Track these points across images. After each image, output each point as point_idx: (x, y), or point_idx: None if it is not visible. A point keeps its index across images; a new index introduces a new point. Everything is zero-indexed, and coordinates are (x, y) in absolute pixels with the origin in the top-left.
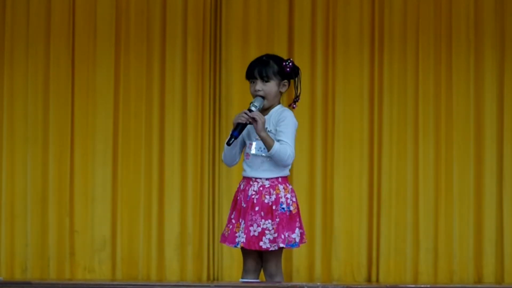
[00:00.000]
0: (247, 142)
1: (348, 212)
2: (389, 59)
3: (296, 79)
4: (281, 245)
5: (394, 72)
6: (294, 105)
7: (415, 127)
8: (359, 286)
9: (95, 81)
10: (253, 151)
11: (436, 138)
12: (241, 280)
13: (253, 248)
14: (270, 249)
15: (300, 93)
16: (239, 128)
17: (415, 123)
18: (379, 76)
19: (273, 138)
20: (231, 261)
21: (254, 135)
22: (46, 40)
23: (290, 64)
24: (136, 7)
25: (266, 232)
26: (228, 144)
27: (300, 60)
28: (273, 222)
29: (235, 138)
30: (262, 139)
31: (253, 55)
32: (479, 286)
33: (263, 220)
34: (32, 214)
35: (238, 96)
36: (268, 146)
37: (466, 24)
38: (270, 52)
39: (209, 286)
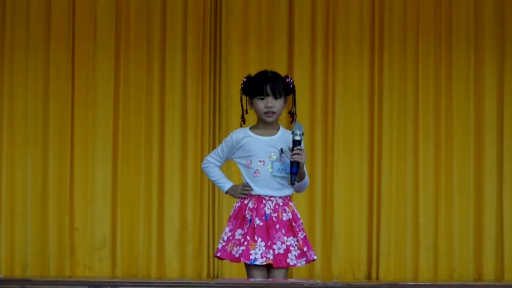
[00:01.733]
0: (254, 159)
1: (348, 210)
2: (389, 59)
3: (293, 95)
4: (315, 257)
5: (394, 72)
6: (294, 119)
7: (415, 127)
8: (359, 284)
9: (95, 81)
10: (274, 172)
11: (436, 137)
12: None
13: (280, 266)
14: (298, 265)
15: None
16: (295, 165)
17: (415, 122)
18: (379, 76)
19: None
20: None
21: (265, 152)
22: (46, 40)
23: (292, 80)
24: (136, 7)
25: (291, 248)
26: (292, 183)
27: (300, 60)
28: (296, 238)
29: (296, 174)
30: (301, 172)
31: (253, 54)
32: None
33: (285, 237)
34: (32, 212)
35: (238, 95)
36: (301, 177)
37: (466, 24)
38: (270, 53)
39: (209, 283)
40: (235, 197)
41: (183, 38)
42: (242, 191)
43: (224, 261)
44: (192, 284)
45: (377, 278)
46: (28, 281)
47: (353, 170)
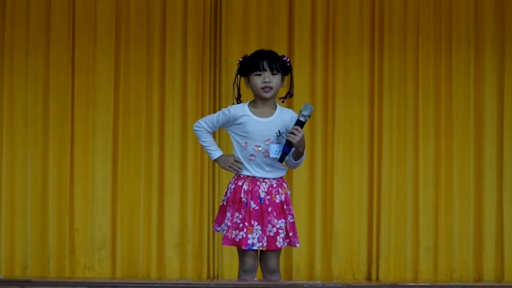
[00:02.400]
0: (250, 142)
1: (348, 211)
2: (389, 59)
3: (290, 75)
4: (297, 245)
5: (394, 72)
6: (284, 100)
7: (415, 127)
8: (359, 284)
9: (95, 81)
10: (271, 155)
11: (436, 137)
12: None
13: (269, 248)
14: (282, 247)
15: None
16: (288, 144)
17: (415, 122)
18: (379, 76)
19: (283, 136)
20: (231, 259)
21: (262, 136)
22: (46, 40)
23: (288, 59)
24: (136, 7)
25: (280, 231)
26: (281, 161)
27: (300, 60)
28: (286, 221)
29: (287, 154)
30: (300, 151)
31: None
32: (479, 284)
33: (276, 220)
34: (32, 212)
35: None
36: (299, 155)
37: (466, 24)
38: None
39: (209, 284)
40: (222, 167)
41: (183, 38)
42: (232, 166)
43: (224, 261)
44: (192, 285)
45: (377, 278)
46: (28, 282)
47: (353, 170)
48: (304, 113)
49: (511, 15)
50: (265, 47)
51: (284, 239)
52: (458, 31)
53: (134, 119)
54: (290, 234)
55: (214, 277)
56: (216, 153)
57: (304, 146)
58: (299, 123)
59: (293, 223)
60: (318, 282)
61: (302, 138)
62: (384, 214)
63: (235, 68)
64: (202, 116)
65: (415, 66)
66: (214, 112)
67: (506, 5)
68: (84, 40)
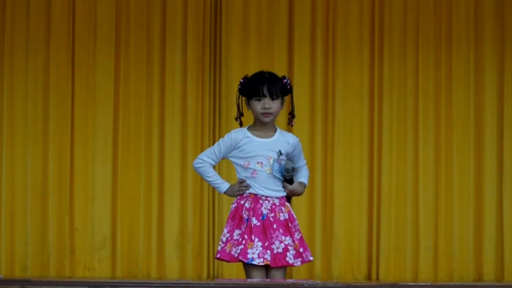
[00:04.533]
0: (252, 161)
1: (348, 210)
2: (389, 59)
3: (291, 95)
4: (311, 258)
5: (394, 72)
6: (292, 123)
7: (415, 126)
8: (359, 284)
9: (95, 80)
10: (274, 172)
11: (436, 137)
12: None
13: (280, 265)
14: (295, 264)
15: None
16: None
17: (415, 122)
18: (379, 76)
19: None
20: None
21: (263, 154)
22: (46, 40)
23: (289, 81)
24: (136, 7)
25: (289, 247)
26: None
27: (300, 60)
28: (292, 239)
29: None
30: (299, 190)
31: (253, 54)
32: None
33: (283, 237)
34: (32, 212)
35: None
36: (303, 188)
37: (466, 24)
38: (270, 52)
39: (209, 284)
40: (233, 196)
41: (183, 38)
42: (240, 188)
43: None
44: (192, 285)
45: (377, 278)
46: (28, 282)
47: (353, 170)
48: (286, 174)
49: (511, 15)
50: (265, 47)
51: (295, 257)
52: (458, 31)
53: (134, 119)
54: (301, 250)
55: (214, 277)
56: (224, 185)
57: (298, 194)
58: (286, 181)
59: (301, 239)
60: (318, 282)
61: (294, 191)
62: (384, 214)
63: (235, 68)
64: (202, 116)
65: (415, 66)
66: (214, 113)
67: (506, 5)
68: (84, 40)
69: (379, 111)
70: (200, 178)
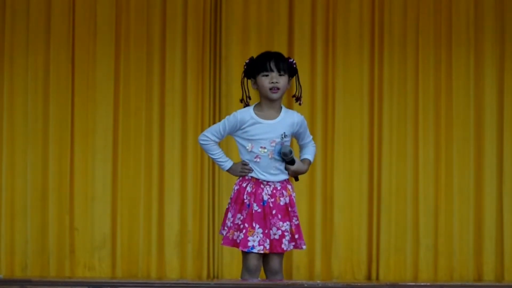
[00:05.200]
0: (255, 144)
1: (348, 210)
2: (389, 59)
3: (296, 77)
4: (304, 247)
5: (394, 72)
6: (301, 102)
7: (415, 126)
8: (359, 284)
9: (95, 80)
10: (274, 154)
11: (436, 136)
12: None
13: (275, 251)
14: (287, 249)
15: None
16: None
17: (415, 122)
18: (379, 76)
19: (288, 139)
20: (231, 259)
21: (267, 138)
22: (46, 40)
23: (294, 61)
24: (136, 7)
25: (285, 233)
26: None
27: (300, 59)
28: (290, 223)
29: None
30: (302, 169)
31: (253, 53)
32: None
33: (281, 223)
34: (32, 211)
35: (238, 93)
36: (308, 165)
37: (466, 24)
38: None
39: (209, 284)
40: (234, 175)
41: (183, 37)
42: (242, 170)
43: (224, 260)
44: (192, 285)
45: (377, 278)
46: (28, 282)
47: (353, 170)
48: (284, 157)
49: (511, 15)
50: (265, 47)
51: (289, 241)
52: (458, 31)
53: (134, 119)
54: (296, 236)
55: (214, 277)
56: (228, 163)
57: (303, 172)
58: (287, 163)
59: (298, 225)
60: (318, 281)
61: (297, 171)
62: (384, 214)
63: (235, 67)
64: (202, 116)
65: (415, 66)
66: (214, 112)
67: (506, 5)
68: (84, 40)
69: (379, 110)
70: (200, 179)
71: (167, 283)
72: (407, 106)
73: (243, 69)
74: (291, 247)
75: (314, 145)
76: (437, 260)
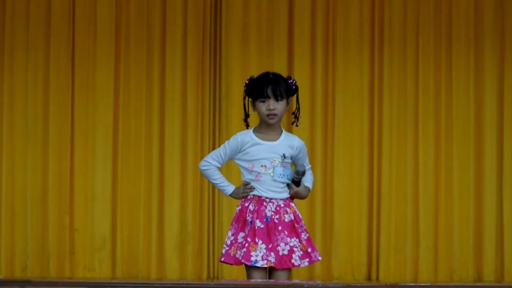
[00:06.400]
0: (256, 164)
1: (348, 211)
2: (389, 59)
3: (296, 95)
4: (319, 258)
5: (394, 72)
6: (298, 123)
7: (415, 126)
8: (359, 285)
9: (95, 81)
10: (275, 177)
11: (436, 137)
12: None
13: (285, 267)
14: (301, 265)
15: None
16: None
17: (415, 122)
18: (379, 76)
19: (288, 161)
20: None
21: (268, 157)
22: (46, 40)
23: (294, 81)
24: (136, 7)
25: (295, 249)
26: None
27: (300, 60)
28: (299, 239)
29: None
30: (304, 193)
31: (253, 54)
32: (479, 284)
33: (288, 238)
34: (32, 212)
35: (238, 94)
36: (308, 192)
37: (466, 24)
38: (270, 52)
39: (209, 284)
40: (237, 198)
41: (183, 38)
42: (244, 191)
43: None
44: (192, 285)
45: (377, 278)
46: (28, 282)
47: (353, 170)
48: (296, 176)
49: (511, 15)
50: (265, 47)
51: (302, 257)
52: (458, 31)
53: (134, 119)
54: (309, 250)
55: (214, 278)
56: (230, 188)
57: (303, 197)
58: (293, 182)
59: (309, 239)
60: (318, 282)
61: (299, 193)
62: (384, 214)
63: (235, 68)
64: (202, 116)
65: (415, 66)
66: (214, 112)
67: (506, 5)
68: (84, 40)
69: (379, 111)
70: (200, 179)
71: (167, 284)
72: (407, 106)
73: (243, 89)
74: (306, 263)
75: (313, 174)
76: (437, 261)
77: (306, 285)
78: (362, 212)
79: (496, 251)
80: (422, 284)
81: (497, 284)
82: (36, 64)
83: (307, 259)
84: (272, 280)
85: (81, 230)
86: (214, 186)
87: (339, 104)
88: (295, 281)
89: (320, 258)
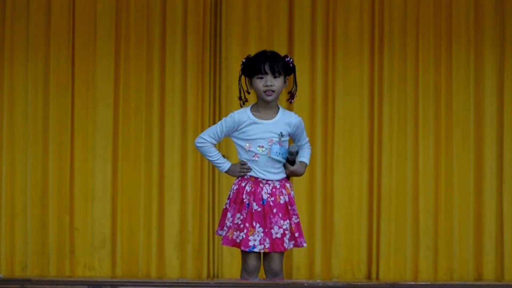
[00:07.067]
0: (253, 144)
1: (348, 210)
2: (389, 59)
3: (293, 74)
4: (304, 244)
5: (394, 72)
6: (292, 100)
7: (415, 126)
8: (359, 284)
9: (95, 80)
10: (271, 155)
11: (436, 136)
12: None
13: (277, 250)
14: (288, 247)
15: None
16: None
17: (415, 122)
18: (379, 75)
19: (285, 139)
20: (231, 259)
21: (265, 137)
22: (46, 40)
23: (291, 60)
24: (136, 7)
25: (286, 232)
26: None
27: (300, 59)
28: (290, 222)
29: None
30: (301, 171)
31: (253, 53)
32: (479, 283)
33: (281, 221)
34: (32, 211)
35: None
36: (304, 168)
37: (466, 24)
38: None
39: (209, 283)
40: (233, 176)
41: (183, 38)
42: (241, 170)
43: (224, 260)
44: (192, 284)
45: (377, 277)
46: (28, 281)
47: (353, 169)
48: (289, 156)
49: (511, 15)
50: (265, 47)
51: (289, 240)
52: (458, 31)
53: (134, 119)
54: (296, 234)
55: (214, 276)
56: (226, 164)
57: (299, 174)
58: (288, 161)
59: (298, 223)
60: (318, 281)
61: (295, 171)
62: (384, 214)
63: (235, 68)
64: (202, 116)
65: (415, 66)
66: (214, 112)
67: (506, 5)
68: (84, 40)
69: (379, 111)
70: (200, 178)
71: (167, 282)
72: (407, 106)
73: (240, 68)
74: (291, 245)
75: (310, 147)
76: (437, 260)
77: (306, 284)
78: (362, 211)
79: (496, 250)
80: (422, 283)
81: (497, 284)
82: (36, 64)
83: (293, 242)
84: (272, 280)
85: (81, 229)
86: (210, 163)
87: (339, 104)
88: (295, 280)
89: (305, 245)
